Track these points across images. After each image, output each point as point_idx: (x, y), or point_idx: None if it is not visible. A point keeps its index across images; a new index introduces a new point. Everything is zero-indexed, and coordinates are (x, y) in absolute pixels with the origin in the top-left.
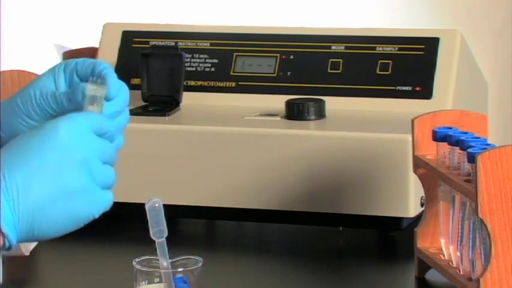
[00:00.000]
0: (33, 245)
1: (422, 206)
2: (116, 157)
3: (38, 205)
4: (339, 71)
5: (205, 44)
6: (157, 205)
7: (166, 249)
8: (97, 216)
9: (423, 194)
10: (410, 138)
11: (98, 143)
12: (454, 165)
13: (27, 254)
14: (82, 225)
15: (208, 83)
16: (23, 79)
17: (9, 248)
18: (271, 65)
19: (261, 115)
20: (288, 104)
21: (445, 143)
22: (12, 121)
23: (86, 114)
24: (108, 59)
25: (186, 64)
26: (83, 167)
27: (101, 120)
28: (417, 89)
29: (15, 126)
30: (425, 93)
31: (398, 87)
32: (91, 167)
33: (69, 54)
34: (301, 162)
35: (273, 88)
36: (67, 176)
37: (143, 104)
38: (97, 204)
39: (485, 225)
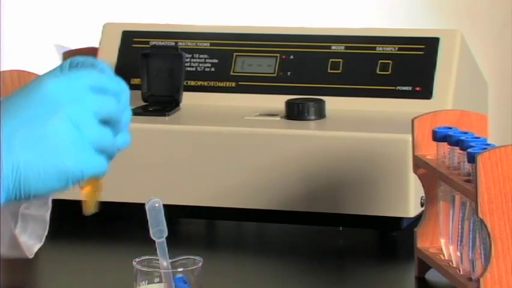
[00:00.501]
0: (37, 247)
1: (422, 206)
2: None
3: (24, 159)
4: (339, 71)
5: (205, 44)
6: (157, 205)
7: (166, 249)
8: (86, 177)
9: (423, 194)
10: (410, 138)
11: (92, 99)
12: (454, 165)
13: (31, 256)
14: (71, 184)
15: (208, 83)
16: (23, 79)
17: None
18: (271, 65)
19: (261, 115)
20: (288, 104)
21: (445, 143)
22: None
23: (82, 70)
24: (108, 59)
25: (186, 64)
26: (70, 121)
27: (98, 76)
28: (417, 89)
29: None
30: (425, 93)
31: (398, 87)
32: (80, 122)
33: (69, 54)
34: (301, 162)
35: (273, 88)
36: (53, 130)
37: (143, 104)
38: (87, 163)
39: (485, 225)
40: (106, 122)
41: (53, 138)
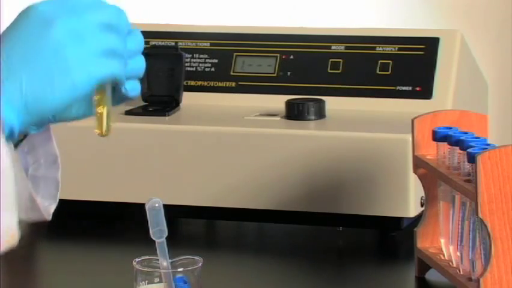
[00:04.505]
0: (52, 207)
1: (422, 206)
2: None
3: (26, 75)
4: (339, 71)
5: (205, 44)
6: (157, 205)
7: (166, 249)
8: (94, 82)
9: (423, 194)
10: (410, 138)
11: (89, 11)
12: (454, 165)
13: (49, 218)
14: (82, 93)
15: (208, 83)
16: None
17: (12, 134)
18: (271, 65)
19: (261, 115)
20: (288, 104)
21: (445, 143)
22: None
23: None
24: None
25: (186, 64)
26: (68, 31)
27: None
28: (417, 89)
29: None
30: (425, 93)
31: (398, 87)
32: (80, 31)
33: None
34: (301, 162)
35: (273, 88)
36: (51, 43)
37: (143, 104)
38: (94, 67)
39: (485, 225)
40: (110, 30)
41: (52, 51)
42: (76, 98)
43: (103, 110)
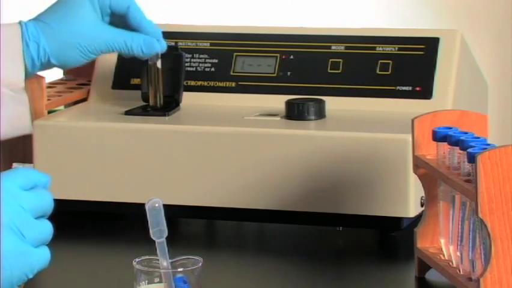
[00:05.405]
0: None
1: (422, 206)
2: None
3: None
4: (339, 71)
5: (205, 44)
6: (157, 205)
7: (166, 249)
8: (31, 276)
9: (423, 194)
10: (410, 138)
11: (27, 199)
12: (454, 165)
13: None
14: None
15: (208, 83)
16: None
17: None
18: (271, 65)
19: (261, 115)
20: (288, 104)
21: (445, 143)
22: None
23: (11, 172)
24: (108, 58)
25: (186, 64)
26: (10, 230)
27: (28, 173)
28: (417, 89)
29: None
30: (425, 93)
31: (398, 87)
32: (20, 228)
33: None
34: (301, 162)
35: (273, 88)
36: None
37: (143, 104)
38: (31, 265)
39: (485, 225)
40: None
41: None
42: None
43: None
